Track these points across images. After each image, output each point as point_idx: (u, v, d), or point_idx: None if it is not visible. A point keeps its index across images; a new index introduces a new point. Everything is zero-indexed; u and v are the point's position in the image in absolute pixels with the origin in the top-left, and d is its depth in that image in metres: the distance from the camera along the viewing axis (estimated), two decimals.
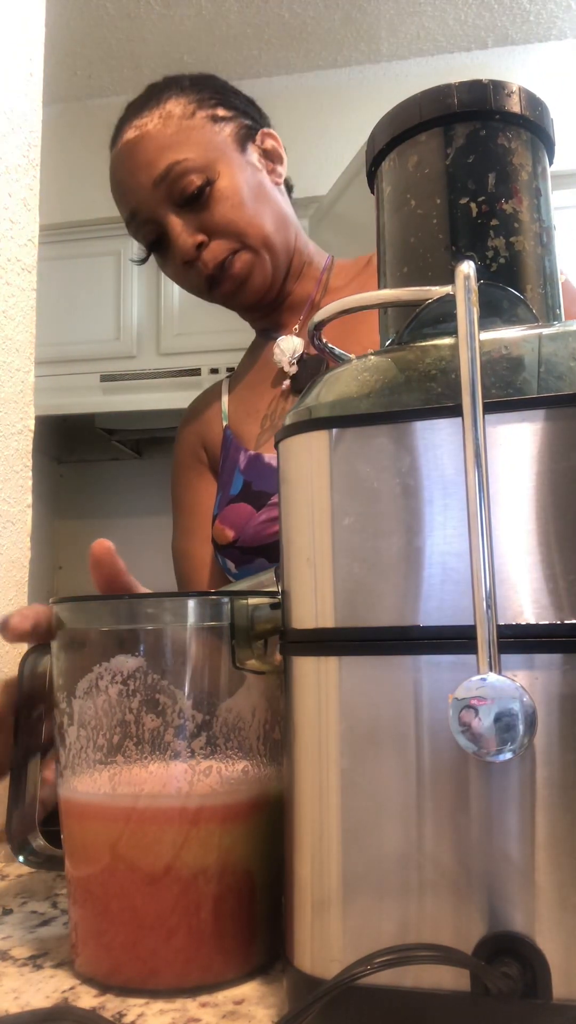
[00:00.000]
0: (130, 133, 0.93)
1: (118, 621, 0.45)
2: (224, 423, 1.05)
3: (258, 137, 0.98)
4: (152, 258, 1.01)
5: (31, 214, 0.82)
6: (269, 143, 0.99)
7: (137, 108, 0.95)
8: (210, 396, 1.11)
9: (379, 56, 2.83)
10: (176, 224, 0.92)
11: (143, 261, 1.03)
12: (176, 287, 2.61)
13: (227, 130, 0.94)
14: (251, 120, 0.98)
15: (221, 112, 0.95)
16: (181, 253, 0.93)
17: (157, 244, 0.97)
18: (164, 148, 0.91)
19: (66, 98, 2.87)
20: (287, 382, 0.99)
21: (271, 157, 0.99)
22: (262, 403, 1.02)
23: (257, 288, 0.96)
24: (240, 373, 1.09)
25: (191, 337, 2.53)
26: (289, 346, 0.98)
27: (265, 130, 0.99)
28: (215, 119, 0.94)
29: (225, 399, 1.07)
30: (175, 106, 0.93)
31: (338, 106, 2.76)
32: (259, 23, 2.64)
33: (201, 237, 0.93)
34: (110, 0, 2.55)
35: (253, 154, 0.97)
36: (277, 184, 0.99)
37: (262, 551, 0.94)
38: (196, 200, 0.91)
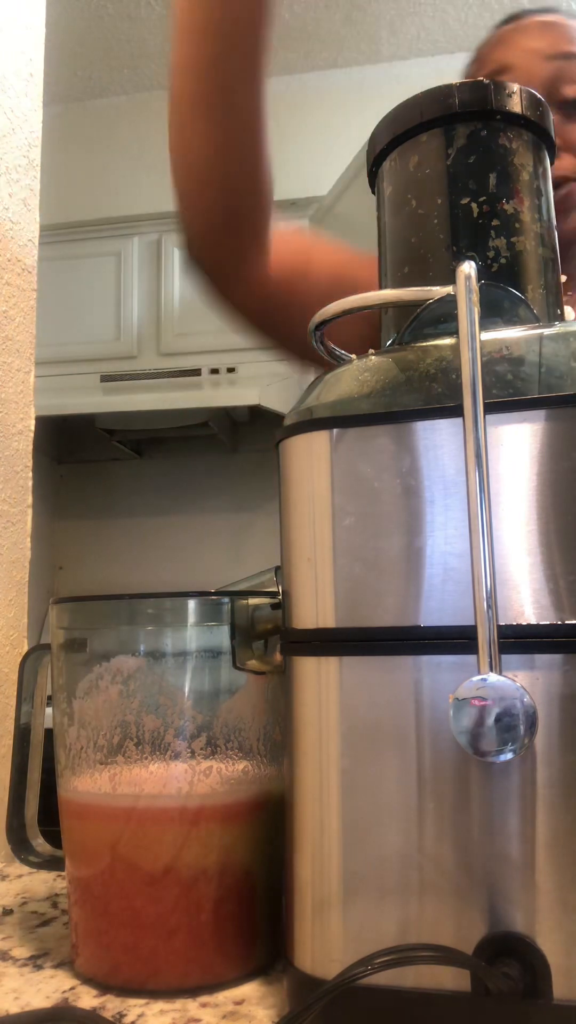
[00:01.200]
0: (550, 18, 0.93)
1: (118, 621, 0.45)
2: None
3: None
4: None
5: (31, 214, 0.82)
6: None
7: None
8: None
9: (379, 57, 2.82)
10: None
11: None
12: (176, 287, 2.63)
13: None
14: None
15: None
16: None
17: None
18: None
19: (66, 98, 2.86)
20: None
21: None
22: None
23: (573, 227, 0.94)
24: None
25: (191, 337, 2.53)
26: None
27: None
28: None
29: None
30: None
31: (338, 106, 2.76)
32: None
33: (557, 140, 0.92)
34: (110, 0, 2.55)
35: None
36: None
37: None
38: (569, 105, 0.88)
